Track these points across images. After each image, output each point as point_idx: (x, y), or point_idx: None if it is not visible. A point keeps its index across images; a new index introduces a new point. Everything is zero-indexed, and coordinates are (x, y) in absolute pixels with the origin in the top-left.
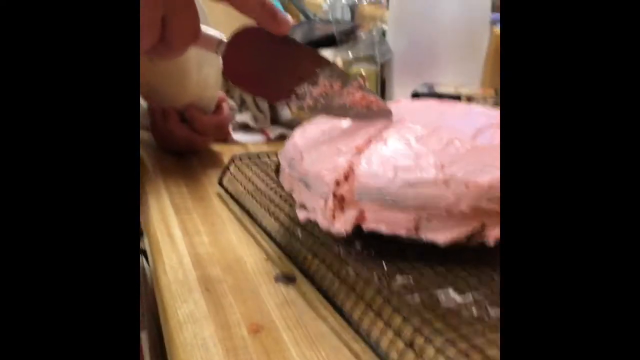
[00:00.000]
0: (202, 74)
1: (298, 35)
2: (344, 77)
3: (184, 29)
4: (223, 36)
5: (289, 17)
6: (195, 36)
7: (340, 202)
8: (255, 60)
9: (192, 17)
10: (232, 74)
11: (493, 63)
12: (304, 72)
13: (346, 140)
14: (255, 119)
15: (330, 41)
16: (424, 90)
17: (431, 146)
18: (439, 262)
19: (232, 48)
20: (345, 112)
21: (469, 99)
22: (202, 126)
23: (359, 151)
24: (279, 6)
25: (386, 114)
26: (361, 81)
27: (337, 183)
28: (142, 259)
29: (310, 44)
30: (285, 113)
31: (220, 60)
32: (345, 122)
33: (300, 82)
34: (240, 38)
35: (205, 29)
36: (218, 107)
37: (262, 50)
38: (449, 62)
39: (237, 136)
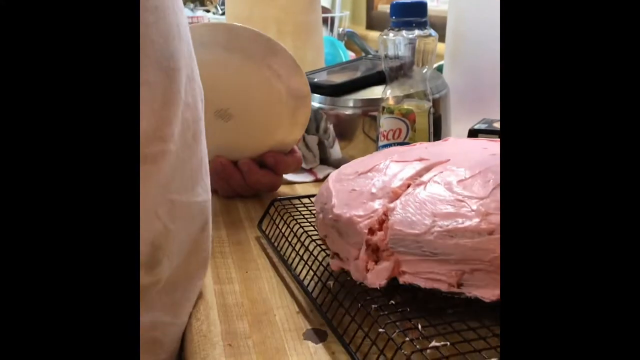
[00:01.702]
0: (293, 121)
1: (348, 73)
2: None
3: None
4: None
5: None
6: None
7: (375, 251)
8: None
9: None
10: None
11: None
12: None
13: (382, 183)
14: (304, 158)
15: (382, 78)
16: (482, 126)
17: (475, 191)
18: (482, 322)
19: None
20: None
21: None
22: (285, 168)
23: (396, 196)
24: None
25: None
26: None
27: (371, 231)
28: None
29: (359, 81)
30: (335, 152)
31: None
32: (384, 164)
33: None
34: None
35: None
36: None
37: None
38: None
39: (288, 176)
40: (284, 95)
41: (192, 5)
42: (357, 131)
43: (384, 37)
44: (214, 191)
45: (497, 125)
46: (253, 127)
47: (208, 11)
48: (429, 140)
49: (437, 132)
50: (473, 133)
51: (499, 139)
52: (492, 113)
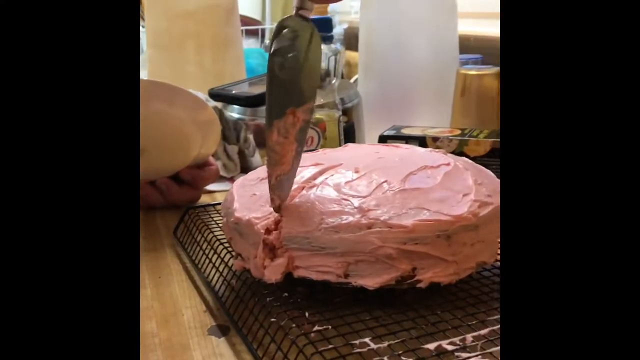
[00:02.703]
0: (205, 143)
1: (260, 86)
2: None
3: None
4: None
5: None
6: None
7: (271, 250)
8: None
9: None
10: None
11: (461, 103)
12: None
13: None
14: (225, 167)
15: None
16: (391, 132)
17: (360, 190)
18: (370, 308)
19: None
20: None
21: (434, 139)
22: (204, 182)
23: (291, 198)
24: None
25: None
26: None
27: (268, 231)
28: None
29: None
30: (256, 161)
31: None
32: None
33: None
34: None
35: None
36: None
37: None
38: (420, 104)
39: (207, 186)
40: (192, 127)
41: None
42: None
43: None
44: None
45: (404, 131)
46: (166, 157)
47: None
48: None
49: (349, 139)
50: (383, 139)
51: (399, 144)
52: (401, 120)
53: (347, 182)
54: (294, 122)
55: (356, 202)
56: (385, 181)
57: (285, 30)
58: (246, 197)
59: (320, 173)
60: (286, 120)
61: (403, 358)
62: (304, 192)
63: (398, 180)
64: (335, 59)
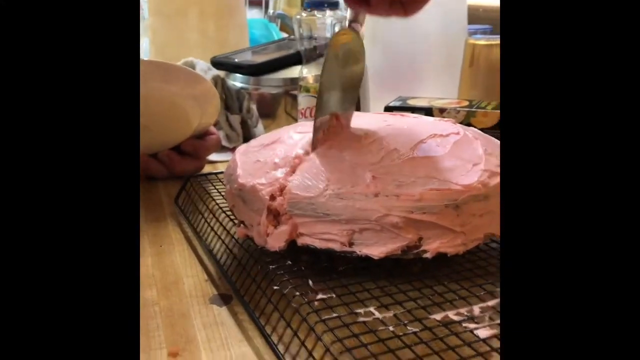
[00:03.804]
0: (204, 115)
1: (271, 53)
2: None
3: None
4: None
5: None
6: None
7: (275, 217)
8: None
9: None
10: None
11: (469, 74)
12: None
13: (284, 153)
14: (228, 138)
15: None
16: (397, 104)
17: (368, 158)
18: (375, 278)
19: None
20: None
21: (441, 111)
22: (206, 152)
23: (296, 164)
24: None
25: None
26: None
27: (272, 197)
28: None
29: (279, 61)
30: (259, 131)
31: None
32: (287, 135)
33: None
34: None
35: None
36: None
37: None
38: (427, 75)
39: (211, 156)
40: (190, 101)
41: None
42: (279, 110)
43: (298, 17)
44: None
45: (410, 102)
46: (167, 131)
47: None
48: None
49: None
50: (388, 110)
51: (406, 114)
52: (408, 91)
53: (354, 149)
54: (335, 126)
55: (363, 170)
56: (394, 149)
57: (349, 39)
58: (250, 163)
59: (328, 140)
60: (329, 121)
61: (409, 327)
62: (310, 157)
63: (407, 148)
64: (341, 26)
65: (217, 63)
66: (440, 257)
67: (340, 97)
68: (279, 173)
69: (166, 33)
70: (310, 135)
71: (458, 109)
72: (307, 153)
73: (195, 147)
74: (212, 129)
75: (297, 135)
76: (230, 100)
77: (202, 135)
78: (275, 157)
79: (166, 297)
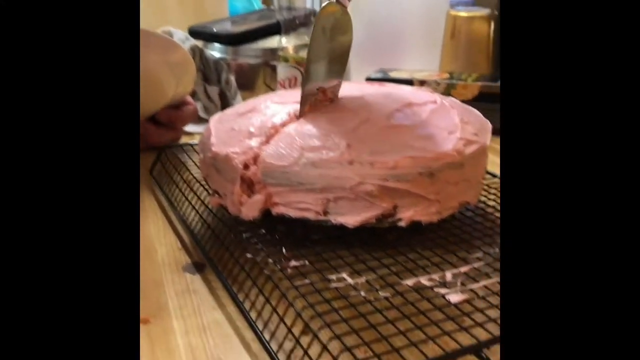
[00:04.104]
0: (180, 84)
1: (250, 23)
2: None
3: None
4: None
5: None
6: None
7: (249, 186)
8: None
9: None
10: None
11: (450, 46)
12: None
13: (260, 122)
14: (206, 109)
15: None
16: (378, 75)
17: (343, 126)
18: (349, 246)
19: None
20: None
21: (422, 83)
22: (182, 121)
23: (272, 134)
24: None
25: None
26: None
27: (246, 166)
28: None
29: (258, 31)
30: (238, 103)
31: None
32: (264, 104)
33: None
34: None
35: None
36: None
37: None
38: (408, 47)
39: (188, 127)
40: (165, 69)
41: None
42: (258, 81)
43: None
44: None
45: (391, 74)
46: (141, 100)
47: None
48: None
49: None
50: (369, 81)
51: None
52: (389, 63)
53: (329, 118)
54: (321, 99)
55: (338, 138)
56: (369, 117)
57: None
58: (224, 131)
59: (311, 111)
60: (317, 97)
61: (381, 293)
62: (285, 127)
63: (382, 116)
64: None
65: (194, 32)
66: (415, 225)
67: (327, 68)
68: (254, 142)
69: (144, 1)
70: (288, 105)
71: (438, 81)
72: (283, 124)
73: (171, 117)
74: (189, 98)
75: (273, 105)
76: (209, 71)
77: (178, 105)
78: (251, 126)
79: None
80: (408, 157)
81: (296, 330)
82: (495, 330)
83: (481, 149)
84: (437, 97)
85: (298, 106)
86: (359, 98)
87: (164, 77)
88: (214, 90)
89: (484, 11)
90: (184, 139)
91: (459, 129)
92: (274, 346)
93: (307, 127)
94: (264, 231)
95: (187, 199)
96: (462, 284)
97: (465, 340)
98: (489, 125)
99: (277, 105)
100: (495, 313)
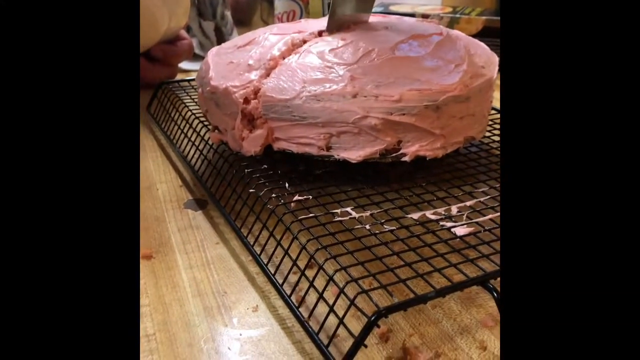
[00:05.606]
0: (173, 17)
1: None
2: None
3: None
4: None
5: None
6: None
7: (250, 121)
8: None
9: None
10: None
11: None
12: None
13: (259, 55)
14: (201, 45)
15: None
16: (379, 9)
17: (345, 58)
18: (352, 181)
19: None
20: None
21: (424, 16)
22: (177, 57)
23: (271, 67)
24: None
25: None
26: None
27: (246, 100)
28: None
29: None
30: (233, 38)
31: None
32: (263, 36)
33: None
34: None
35: None
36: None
37: None
38: None
39: (183, 64)
40: (158, 1)
41: None
42: (254, 17)
43: None
44: None
45: (393, 8)
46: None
47: None
48: None
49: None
50: None
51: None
52: None
53: (331, 50)
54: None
55: (341, 70)
56: (373, 49)
57: None
58: (223, 65)
59: (304, 41)
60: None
61: (386, 226)
62: (286, 59)
63: (386, 48)
64: None
65: None
66: (419, 161)
67: (354, 5)
68: (253, 75)
69: None
70: (287, 37)
71: (441, 15)
72: (282, 56)
73: (165, 52)
74: (184, 33)
75: (273, 37)
76: (204, 6)
77: (172, 41)
78: (250, 59)
79: (140, 202)
80: (413, 89)
81: (301, 264)
82: None
83: (488, 82)
84: (443, 28)
85: (298, 36)
86: (361, 30)
87: (155, 9)
88: (209, 26)
89: None
90: (179, 76)
91: (465, 61)
92: (278, 279)
93: (308, 59)
94: (265, 166)
95: (186, 135)
96: (468, 217)
97: (472, 271)
98: (496, 58)
99: (276, 37)
100: None
